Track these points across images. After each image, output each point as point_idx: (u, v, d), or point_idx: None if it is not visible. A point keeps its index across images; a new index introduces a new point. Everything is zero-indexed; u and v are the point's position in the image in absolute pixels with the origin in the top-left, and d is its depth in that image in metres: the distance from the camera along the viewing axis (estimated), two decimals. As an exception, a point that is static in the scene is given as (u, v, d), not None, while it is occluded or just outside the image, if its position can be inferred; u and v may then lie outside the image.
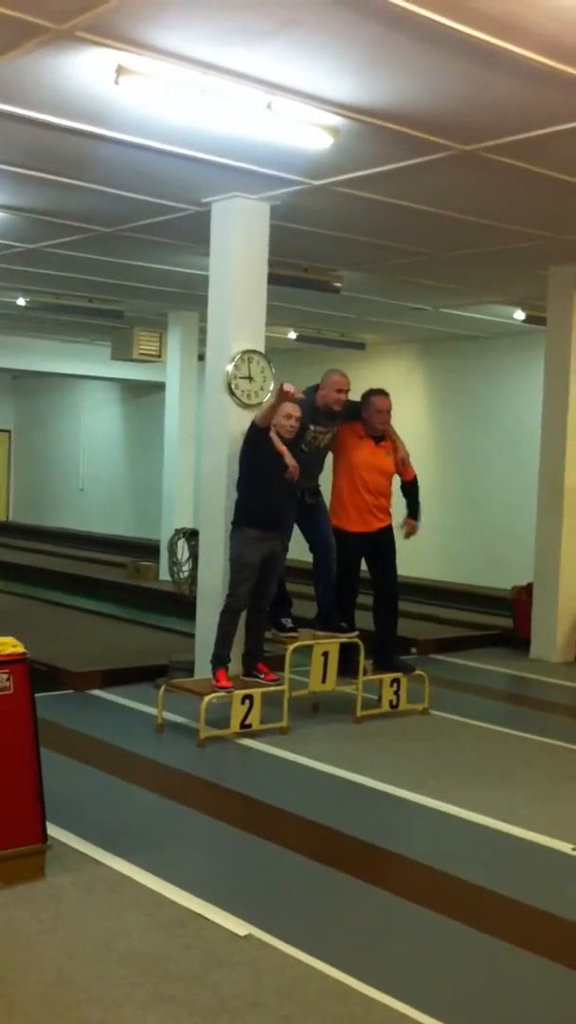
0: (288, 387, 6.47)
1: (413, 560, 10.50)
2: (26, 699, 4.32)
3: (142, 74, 4.93)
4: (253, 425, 6.81)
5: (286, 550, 7.13)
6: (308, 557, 7.42)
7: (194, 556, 10.34)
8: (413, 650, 9.61)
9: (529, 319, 11.13)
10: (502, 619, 10.89)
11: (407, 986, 3.54)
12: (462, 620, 11.32)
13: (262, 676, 6.89)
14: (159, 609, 11.92)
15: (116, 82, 4.97)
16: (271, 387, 7.38)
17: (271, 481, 6.73)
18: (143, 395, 18.76)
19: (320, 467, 7.49)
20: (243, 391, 7.30)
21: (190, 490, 13.36)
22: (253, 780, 6.00)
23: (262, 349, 7.47)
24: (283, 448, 6.74)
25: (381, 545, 7.42)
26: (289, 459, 6.73)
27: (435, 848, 4.95)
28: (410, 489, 7.59)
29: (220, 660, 6.75)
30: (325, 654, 7.08)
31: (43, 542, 18.66)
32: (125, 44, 4.69)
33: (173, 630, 10.01)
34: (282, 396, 6.53)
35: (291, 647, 6.99)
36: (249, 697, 6.69)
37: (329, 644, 7.11)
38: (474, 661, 9.62)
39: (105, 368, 16.19)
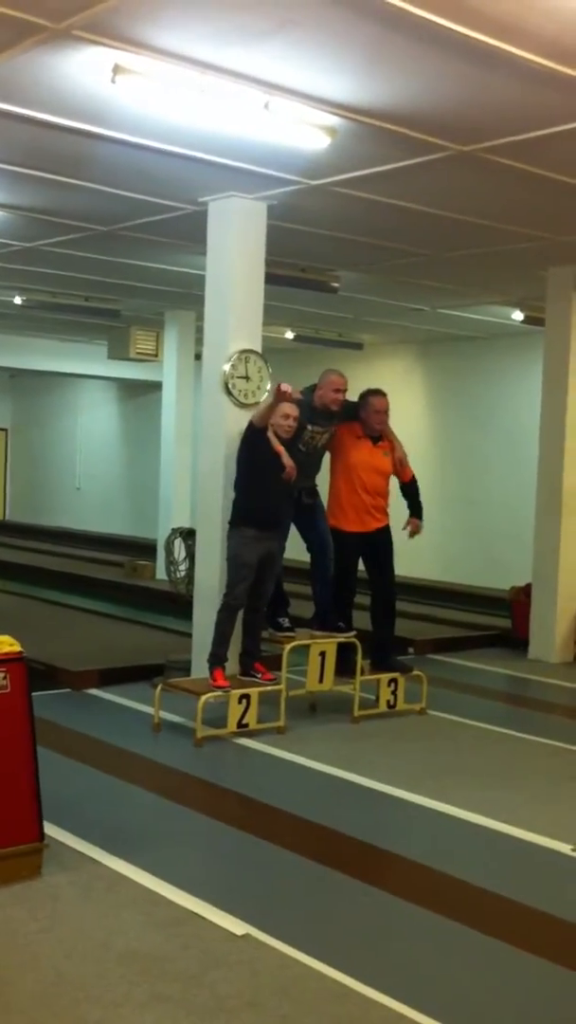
0: (285, 387, 6.48)
1: (411, 560, 10.51)
2: (23, 698, 4.31)
3: (139, 73, 4.93)
4: (251, 425, 6.81)
5: (283, 550, 7.13)
6: (306, 557, 7.43)
7: (191, 555, 10.35)
8: (410, 650, 9.62)
9: (528, 320, 11.13)
10: (500, 619, 10.89)
11: (405, 986, 3.54)
12: (460, 620, 11.31)
13: (259, 676, 6.88)
14: (156, 608, 11.91)
15: (113, 81, 4.96)
16: (268, 387, 7.38)
17: (269, 481, 6.73)
18: (140, 394, 18.75)
19: (317, 467, 7.49)
20: (240, 391, 7.30)
21: (187, 489, 13.36)
22: (250, 780, 6.00)
23: (259, 349, 7.47)
24: (281, 448, 6.75)
25: (379, 545, 7.43)
26: (286, 459, 6.73)
27: (433, 848, 4.95)
28: (409, 489, 7.60)
29: (217, 659, 6.75)
30: (322, 654, 7.08)
31: (40, 541, 18.64)
32: (122, 43, 4.69)
33: (170, 629, 10.01)
34: (279, 396, 6.53)
35: (288, 647, 6.99)
36: (246, 696, 6.69)
37: (326, 644, 7.11)
38: (472, 661, 9.62)
39: (102, 367, 16.19)
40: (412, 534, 7.51)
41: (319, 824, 5.21)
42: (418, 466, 7.82)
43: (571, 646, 9.71)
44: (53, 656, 8.14)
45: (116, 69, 4.89)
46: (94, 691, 7.77)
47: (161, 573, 12.93)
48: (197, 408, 10.54)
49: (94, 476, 20.30)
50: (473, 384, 14.09)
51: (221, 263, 7.45)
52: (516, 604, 10.31)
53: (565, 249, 8.64)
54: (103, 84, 5.10)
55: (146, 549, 14.88)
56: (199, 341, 12.29)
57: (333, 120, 5.57)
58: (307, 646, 7.09)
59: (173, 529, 12.21)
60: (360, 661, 7.19)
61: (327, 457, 7.50)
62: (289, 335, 13.59)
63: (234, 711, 6.64)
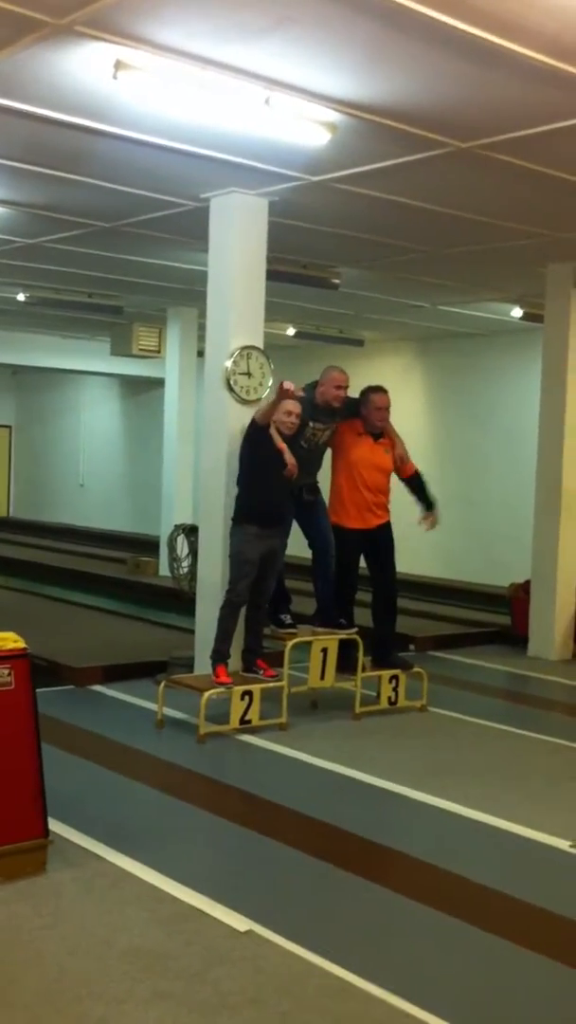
0: (288, 385, 6.48)
1: (411, 557, 10.51)
2: (27, 694, 4.32)
3: (141, 69, 4.93)
4: (253, 422, 6.81)
5: (285, 547, 7.14)
6: (307, 553, 7.43)
7: (194, 552, 10.34)
8: (411, 647, 9.62)
9: (527, 316, 11.12)
10: (500, 616, 10.90)
11: (407, 983, 3.55)
12: (460, 617, 11.32)
13: (261, 672, 6.89)
14: (159, 605, 11.92)
15: (115, 77, 4.97)
16: (270, 383, 7.39)
17: (271, 478, 6.74)
18: (143, 391, 18.75)
19: (319, 464, 7.49)
20: (242, 387, 7.30)
21: (189, 486, 13.36)
22: (253, 776, 6.01)
23: (261, 345, 7.47)
24: (283, 445, 6.75)
25: (380, 542, 7.43)
26: (288, 456, 6.74)
27: (434, 845, 4.96)
28: (414, 484, 7.60)
29: (220, 656, 6.76)
30: (324, 650, 7.09)
31: (43, 538, 18.65)
32: (124, 39, 4.69)
33: (173, 626, 10.02)
34: (282, 394, 6.54)
35: (290, 643, 7.00)
36: (248, 693, 6.70)
37: (328, 641, 7.12)
38: (472, 658, 9.63)
39: (104, 364, 16.18)
40: (430, 527, 7.52)
41: (321, 820, 5.22)
42: (417, 463, 7.80)
43: (570, 643, 9.71)
44: (56, 653, 8.15)
45: (117, 65, 4.90)
46: (97, 687, 7.78)
47: (164, 570, 12.92)
48: (199, 404, 10.53)
49: (97, 473, 20.31)
50: (473, 382, 14.07)
51: (223, 259, 7.45)
52: (516, 601, 10.32)
53: (564, 246, 8.63)
54: (104, 80, 5.10)
55: (149, 546, 14.90)
56: (201, 338, 12.26)
57: (334, 116, 5.57)
58: (309, 643, 7.10)
59: (176, 526, 12.19)
60: (361, 658, 7.20)
61: (328, 454, 7.50)
62: (290, 332, 13.59)
63: (236, 707, 6.65)
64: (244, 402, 7.29)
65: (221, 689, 6.63)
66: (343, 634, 7.19)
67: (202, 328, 9.38)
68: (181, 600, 10.83)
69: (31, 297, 11.84)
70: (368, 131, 5.78)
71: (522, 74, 4.86)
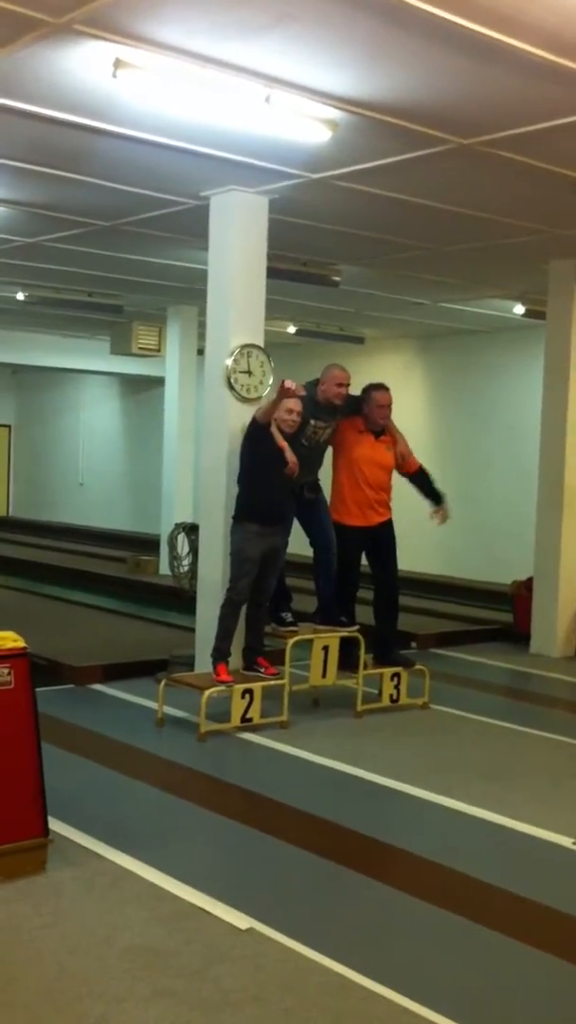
0: (289, 384, 6.47)
1: (413, 555, 10.50)
2: (27, 694, 4.32)
3: (140, 68, 4.92)
4: (254, 421, 6.81)
5: (286, 545, 7.13)
6: (308, 551, 7.43)
7: (194, 551, 10.35)
8: (413, 644, 9.62)
9: (529, 313, 11.11)
10: (502, 614, 10.89)
11: (408, 980, 3.55)
12: (462, 614, 11.32)
13: (262, 670, 6.89)
14: (159, 604, 11.92)
15: (114, 75, 4.96)
16: (270, 381, 7.38)
17: (272, 476, 6.73)
18: (142, 390, 18.75)
19: (319, 462, 7.49)
20: (242, 385, 7.30)
21: (190, 484, 13.36)
22: (254, 774, 6.01)
23: (261, 343, 7.46)
24: (284, 443, 6.75)
25: (381, 540, 7.43)
26: (289, 454, 6.73)
27: (436, 843, 4.96)
28: (419, 479, 7.60)
29: (220, 654, 6.76)
30: (325, 648, 7.09)
31: (43, 537, 18.65)
32: (123, 37, 4.68)
33: (173, 625, 10.01)
34: (283, 393, 6.53)
35: (291, 641, 6.99)
36: (249, 691, 6.69)
37: (329, 638, 7.11)
38: (474, 656, 9.62)
39: (104, 363, 16.19)
40: (442, 521, 7.55)
41: (322, 818, 5.22)
42: (419, 461, 7.79)
43: (572, 640, 9.70)
44: (57, 652, 8.15)
45: (117, 63, 4.89)
46: (98, 687, 7.78)
47: (164, 568, 12.94)
48: (200, 403, 10.52)
49: (97, 472, 20.31)
50: (474, 379, 14.06)
51: (223, 257, 7.44)
52: (517, 598, 10.31)
53: (566, 242, 8.62)
54: (104, 79, 5.10)
55: (149, 544, 14.90)
56: (201, 336, 12.27)
57: (334, 113, 5.56)
58: (310, 641, 7.09)
59: (176, 524, 12.22)
60: (363, 655, 7.19)
61: (329, 452, 7.49)
62: (291, 329, 13.59)
63: (237, 706, 6.64)
64: (244, 400, 7.28)
65: (222, 687, 6.62)
66: (344, 632, 7.19)
67: (202, 326, 9.39)
68: (181, 598, 10.84)
69: (31, 296, 11.83)
70: (369, 128, 5.78)
71: (523, 70, 4.85)
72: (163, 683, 6.89)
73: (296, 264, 9.35)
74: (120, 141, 6.20)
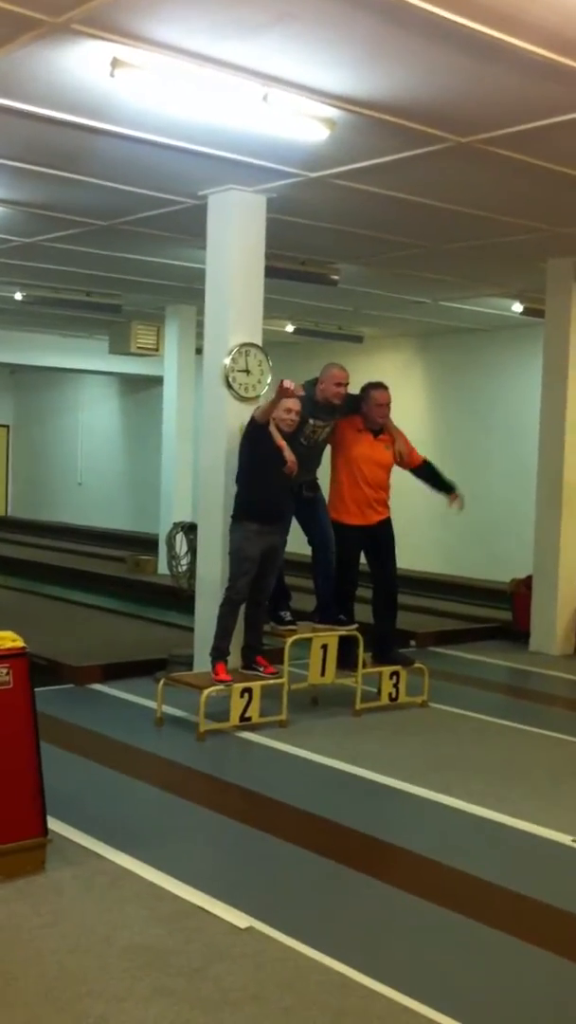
0: (288, 384, 6.47)
1: (412, 553, 10.51)
2: (26, 693, 4.32)
3: (138, 67, 4.92)
4: (252, 420, 6.81)
5: (285, 544, 7.13)
6: (307, 550, 7.43)
7: (193, 550, 10.36)
8: (412, 643, 9.62)
9: (527, 311, 11.11)
10: (501, 612, 10.90)
11: (408, 978, 3.55)
12: (461, 613, 11.32)
13: (261, 669, 6.89)
14: (158, 603, 11.92)
15: (112, 75, 4.96)
16: (268, 380, 7.38)
17: (271, 475, 6.73)
18: (141, 390, 18.75)
19: (318, 461, 7.49)
20: (241, 384, 7.30)
21: (188, 484, 13.36)
22: (253, 773, 6.01)
23: (259, 342, 7.46)
24: (282, 442, 6.75)
25: (380, 538, 7.43)
26: (288, 453, 6.73)
27: (436, 841, 4.96)
28: (425, 472, 7.61)
29: (219, 653, 6.76)
30: (324, 647, 7.09)
31: (42, 537, 18.65)
32: (121, 37, 4.68)
33: (172, 624, 10.01)
34: (282, 393, 6.53)
35: (290, 640, 6.99)
36: (248, 690, 6.69)
37: (328, 637, 7.11)
38: (473, 654, 9.63)
39: (103, 362, 16.20)
40: (460, 508, 7.63)
41: (321, 817, 5.22)
42: (419, 458, 7.80)
43: (572, 638, 9.71)
44: (56, 652, 8.15)
45: (115, 63, 4.89)
46: (97, 686, 7.78)
47: (163, 568, 12.94)
48: (198, 402, 10.53)
49: (95, 471, 20.31)
50: (473, 377, 14.06)
51: (221, 256, 7.44)
52: (517, 596, 10.31)
53: (565, 240, 8.62)
54: (102, 78, 5.09)
55: (148, 544, 14.90)
56: (200, 335, 12.28)
57: (332, 112, 5.56)
58: (309, 639, 7.09)
59: (175, 524, 12.22)
60: (362, 654, 7.20)
61: (328, 450, 7.49)
62: (289, 328, 13.58)
63: (236, 705, 6.64)
64: (243, 399, 7.28)
65: (221, 686, 6.62)
66: (343, 630, 7.19)
67: (200, 326, 9.42)
68: (180, 598, 10.86)
69: (29, 296, 11.83)
70: (367, 127, 5.77)
71: (522, 68, 4.85)
72: (162, 682, 6.89)
73: (294, 263, 9.35)
74: (118, 140, 6.20)
